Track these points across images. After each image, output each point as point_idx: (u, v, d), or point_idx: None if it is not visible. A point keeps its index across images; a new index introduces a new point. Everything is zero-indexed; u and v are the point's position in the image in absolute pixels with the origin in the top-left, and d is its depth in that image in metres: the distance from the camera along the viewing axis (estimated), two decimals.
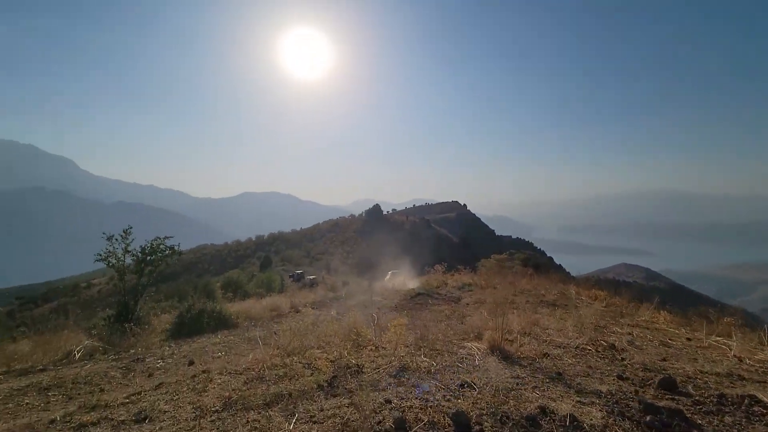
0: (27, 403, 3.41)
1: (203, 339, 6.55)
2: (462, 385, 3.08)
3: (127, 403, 2.95)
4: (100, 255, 9.05)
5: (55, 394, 3.64)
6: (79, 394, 3.67)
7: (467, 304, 10.36)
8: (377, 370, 3.46)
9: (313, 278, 43.74)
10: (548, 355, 4.28)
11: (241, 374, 3.53)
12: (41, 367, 4.88)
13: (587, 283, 14.40)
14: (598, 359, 4.34)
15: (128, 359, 4.95)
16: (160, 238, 9.53)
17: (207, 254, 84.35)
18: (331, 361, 3.75)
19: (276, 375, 3.41)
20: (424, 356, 4.01)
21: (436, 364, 3.72)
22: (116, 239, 9.09)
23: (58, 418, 2.74)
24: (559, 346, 4.77)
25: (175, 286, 31.38)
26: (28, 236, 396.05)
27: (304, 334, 4.92)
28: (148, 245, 9.29)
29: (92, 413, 2.80)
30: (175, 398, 3.00)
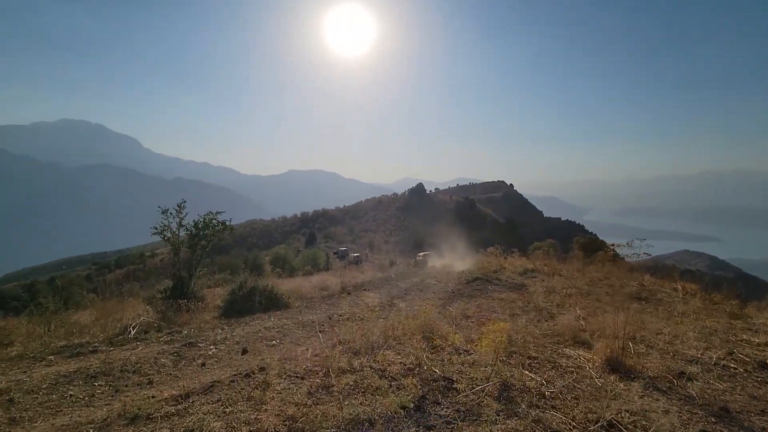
0: (71, 395, 3.05)
1: (256, 321, 6.16)
2: (604, 426, 2.23)
3: (173, 415, 2.43)
4: (156, 228, 9.03)
5: (101, 385, 3.27)
6: (126, 386, 3.28)
7: (534, 292, 9.33)
8: (473, 388, 2.69)
9: (357, 256, 43.99)
10: (687, 376, 3.27)
11: (302, 379, 2.91)
12: (95, 345, 4.66)
13: (667, 274, 12.71)
14: (756, 385, 3.27)
15: (180, 342, 4.59)
16: (212, 213, 9.34)
17: (256, 229, 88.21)
18: (408, 368, 3.03)
19: (346, 385, 2.75)
20: (523, 367, 3.19)
21: (546, 383, 2.88)
22: (171, 213, 9.01)
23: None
24: (691, 361, 3.72)
25: (228, 260, 32.78)
26: (98, 209, 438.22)
27: (367, 326, 4.26)
28: (201, 220, 9.14)
29: (131, 427, 2.31)
30: (228, 411, 2.43)
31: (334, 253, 41.53)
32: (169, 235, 9.01)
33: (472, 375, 2.92)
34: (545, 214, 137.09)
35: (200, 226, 9.15)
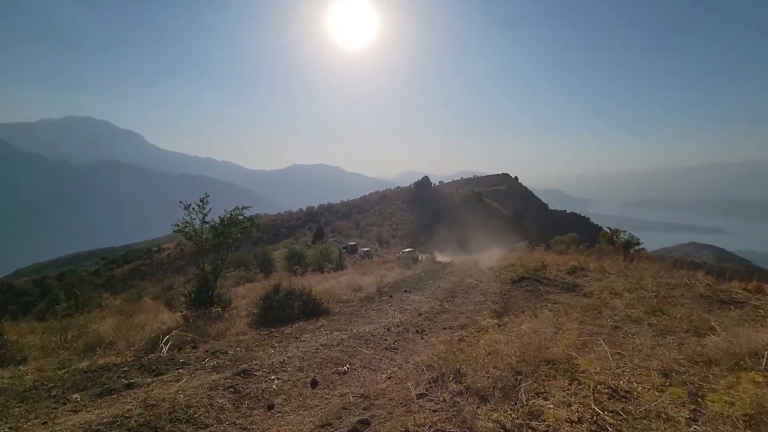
0: None
1: (306, 335, 5.28)
2: None
3: None
4: (178, 225, 8.17)
5: None
6: None
7: (592, 293, 8.40)
8: None
9: (368, 250, 43.12)
10: None
11: None
12: (125, 369, 3.79)
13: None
14: None
15: (231, 368, 3.71)
16: (239, 208, 8.47)
17: (261, 223, 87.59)
18: None
19: None
20: None
21: None
22: (193, 209, 8.14)
23: None
24: None
25: (237, 255, 32.07)
26: (106, 205, 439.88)
27: (473, 350, 3.36)
28: (227, 215, 8.26)
29: None
30: None
31: (344, 248, 40.56)
32: (191, 232, 8.16)
33: None
34: (550, 207, 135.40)
35: (226, 222, 8.29)
